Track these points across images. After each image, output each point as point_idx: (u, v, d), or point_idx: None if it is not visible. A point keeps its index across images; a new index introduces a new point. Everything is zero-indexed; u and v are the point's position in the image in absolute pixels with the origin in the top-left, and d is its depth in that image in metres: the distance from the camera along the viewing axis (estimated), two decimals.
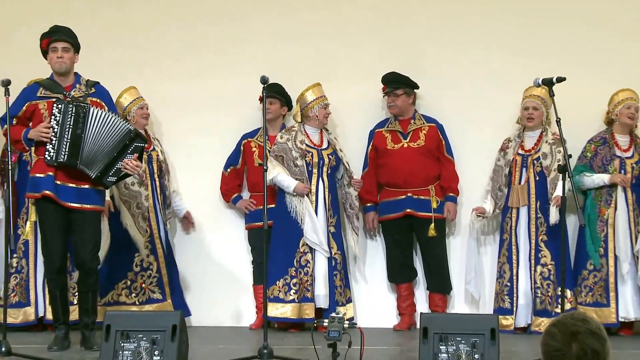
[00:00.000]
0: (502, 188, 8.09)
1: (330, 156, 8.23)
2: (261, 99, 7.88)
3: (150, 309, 8.12)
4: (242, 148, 8.50)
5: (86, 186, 6.87)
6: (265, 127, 6.87)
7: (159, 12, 8.95)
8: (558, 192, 6.47)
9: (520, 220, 8.02)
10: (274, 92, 8.24)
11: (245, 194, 8.59)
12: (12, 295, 8.10)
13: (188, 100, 8.77)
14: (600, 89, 8.17)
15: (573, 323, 2.82)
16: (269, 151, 8.11)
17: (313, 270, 8.10)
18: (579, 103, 7.92)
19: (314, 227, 8.04)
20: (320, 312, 8.07)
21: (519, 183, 8.04)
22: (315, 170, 8.20)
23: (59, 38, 6.93)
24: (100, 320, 6.47)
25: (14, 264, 8.10)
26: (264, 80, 6.47)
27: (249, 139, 8.50)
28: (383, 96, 8.37)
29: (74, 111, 6.72)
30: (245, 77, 8.30)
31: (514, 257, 8.01)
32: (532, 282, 7.94)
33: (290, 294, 8.07)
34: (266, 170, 6.59)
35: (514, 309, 7.97)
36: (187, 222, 8.60)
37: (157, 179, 8.35)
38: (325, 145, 8.29)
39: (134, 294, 8.23)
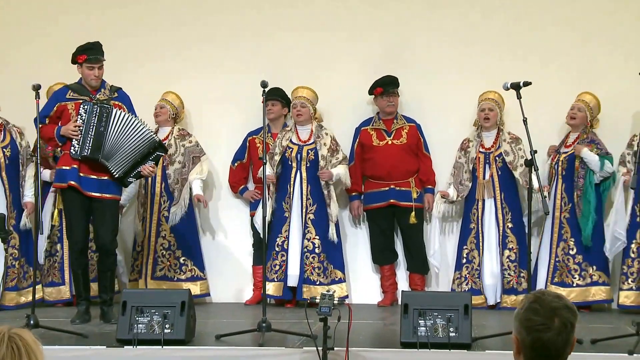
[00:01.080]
0: (463, 182, 8.20)
1: (310, 151, 8.28)
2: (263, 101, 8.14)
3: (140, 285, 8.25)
4: (247, 144, 8.59)
5: (106, 178, 7.04)
6: (265, 126, 6.92)
7: (169, 11, 8.92)
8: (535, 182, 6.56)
9: (485, 211, 8.16)
10: (275, 95, 8.33)
11: (251, 185, 8.66)
12: (47, 275, 8.22)
13: (199, 98, 8.77)
14: (560, 90, 8.28)
15: (551, 300, 2.88)
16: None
17: (287, 253, 8.24)
18: (539, 103, 7.93)
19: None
20: (293, 291, 8.18)
21: (484, 178, 8.15)
22: (294, 164, 8.29)
23: (95, 57, 7.04)
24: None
25: (49, 248, 8.22)
26: (264, 84, 6.59)
27: (253, 136, 8.58)
28: (381, 96, 8.34)
29: (98, 111, 6.90)
30: (251, 79, 8.33)
31: (481, 243, 8.14)
32: (500, 264, 8.08)
33: (271, 274, 8.19)
34: (265, 164, 6.74)
35: (483, 289, 8.10)
36: (202, 203, 8.51)
37: (160, 170, 8.31)
38: (311, 140, 8.34)
39: (134, 271, 8.40)
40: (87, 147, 6.90)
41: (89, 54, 7.06)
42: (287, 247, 8.23)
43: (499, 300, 8.11)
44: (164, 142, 8.24)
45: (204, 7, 8.86)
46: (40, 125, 6.94)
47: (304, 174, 8.29)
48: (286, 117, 8.64)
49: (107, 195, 7.08)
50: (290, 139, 8.34)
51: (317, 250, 8.19)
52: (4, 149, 8.10)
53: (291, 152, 8.29)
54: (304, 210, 8.25)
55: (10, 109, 8.17)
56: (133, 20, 8.88)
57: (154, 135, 7.16)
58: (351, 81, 8.64)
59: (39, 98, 6.73)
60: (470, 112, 8.42)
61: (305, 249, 8.19)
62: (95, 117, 6.90)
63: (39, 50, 8.72)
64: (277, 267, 8.23)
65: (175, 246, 8.43)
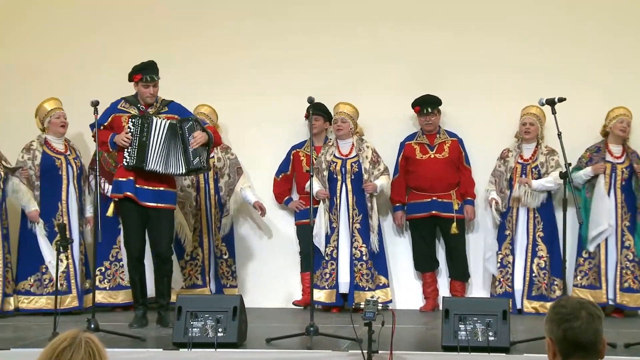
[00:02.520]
0: (503, 190, 8.21)
1: (353, 164, 8.34)
2: (307, 116, 8.20)
3: (192, 294, 8.22)
4: (291, 157, 8.66)
5: (161, 188, 7.11)
6: (311, 139, 7.02)
7: (219, 39, 9.02)
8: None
9: (519, 219, 8.17)
10: (318, 110, 8.36)
11: (295, 196, 8.72)
12: (112, 279, 8.32)
13: (245, 115, 8.86)
14: (592, 106, 8.26)
15: (576, 298, 2.97)
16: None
17: (337, 261, 8.29)
18: (573, 118, 7.85)
19: (319, 227, 8.20)
20: (344, 297, 8.23)
21: (519, 187, 8.13)
22: (339, 177, 8.35)
23: (150, 76, 7.12)
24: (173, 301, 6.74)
25: (114, 254, 8.34)
26: (310, 100, 6.68)
27: (297, 150, 8.66)
28: (419, 115, 8.41)
29: (139, 122, 6.96)
30: (294, 98, 8.43)
31: (515, 250, 8.15)
32: (529, 271, 8.08)
33: (322, 282, 8.26)
34: (312, 176, 6.82)
35: (514, 294, 8.09)
36: (259, 210, 8.57)
37: (211, 183, 8.49)
38: (353, 154, 8.40)
39: (183, 279, 8.43)
40: (133, 158, 6.96)
41: (144, 73, 7.14)
42: (337, 256, 8.29)
43: (520, 308, 8.09)
44: (211, 155, 8.37)
45: (250, 36, 8.95)
46: (94, 131, 7.00)
47: (349, 186, 8.34)
48: (327, 131, 8.70)
49: (162, 205, 7.14)
50: (334, 154, 8.40)
51: (364, 258, 8.23)
52: (75, 160, 8.29)
53: (335, 165, 8.35)
54: (351, 221, 8.29)
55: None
56: (186, 47, 8.98)
57: (168, 121, 7.04)
58: (393, 99, 8.68)
59: (97, 113, 6.84)
60: (507, 127, 8.45)
61: (354, 257, 8.24)
62: (138, 128, 6.96)
63: (100, 71, 8.84)
64: (328, 275, 8.28)
65: (227, 255, 8.54)
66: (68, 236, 7.64)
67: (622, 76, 8.48)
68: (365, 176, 8.27)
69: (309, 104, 6.77)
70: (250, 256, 8.87)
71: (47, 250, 8.08)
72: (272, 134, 8.85)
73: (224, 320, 6.02)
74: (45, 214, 8.16)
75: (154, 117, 7.01)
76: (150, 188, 7.10)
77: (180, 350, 5.94)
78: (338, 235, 8.31)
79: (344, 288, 8.22)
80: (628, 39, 8.59)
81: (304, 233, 8.41)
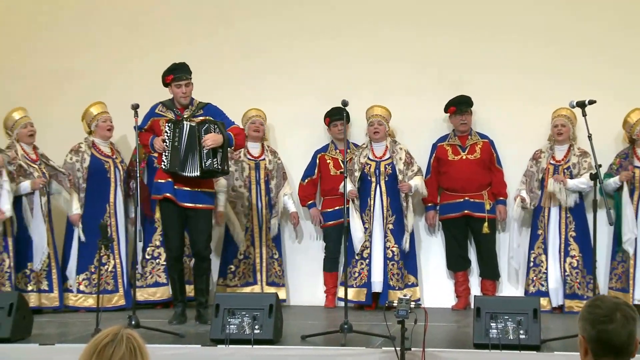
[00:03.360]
0: (533, 190, 8.17)
1: (387, 166, 8.34)
2: (329, 122, 8.46)
3: (247, 290, 8.30)
4: (317, 161, 8.64)
5: (199, 189, 7.12)
6: (346, 141, 7.00)
7: (246, 43, 9.01)
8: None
9: (551, 218, 8.11)
10: (340, 114, 8.44)
11: (318, 200, 8.71)
12: (149, 277, 8.34)
13: (270, 120, 8.85)
14: (622, 110, 8.16)
15: (611, 299, 2.89)
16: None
17: (370, 261, 8.27)
18: (603, 121, 7.81)
19: (355, 228, 8.21)
20: (376, 296, 8.22)
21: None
22: (373, 179, 8.33)
23: (182, 77, 7.15)
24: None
25: (151, 252, 8.36)
26: (344, 103, 6.68)
27: (322, 153, 8.65)
28: (455, 115, 8.39)
29: (172, 128, 6.99)
30: (314, 103, 8.59)
31: (547, 249, 8.09)
32: (562, 270, 8.02)
33: (351, 280, 8.23)
34: (346, 177, 6.82)
35: (549, 292, 8.05)
36: (294, 220, 8.69)
37: (262, 184, 8.51)
38: (387, 156, 8.39)
39: (236, 277, 8.44)
40: (168, 162, 7.00)
41: (175, 73, 7.17)
42: (368, 255, 8.28)
43: (561, 304, 8.04)
44: (262, 158, 8.38)
45: (277, 40, 8.96)
46: (138, 132, 7.03)
47: (383, 188, 8.33)
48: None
49: (200, 206, 7.16)
50: (367, 156, 8.39)
51: (395, 258, 8.22)
52: (121, 164, 8.36)
53: (369, 168, 8.34)
54: (384, 221, 8.29)
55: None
56: (216, 51, 9.00)
57: (190, 124, 7.03)
58: (422, 101, 8.67)
59: (137, 116, 6.87)
60: (536, 130, 8.41)
61: (387, 257, 8.23)
62: (171, 133, 6.99)
63: (137, 77, 8.86)
64: (357, 274, 8.27)
65: (277, 255, 8.57)
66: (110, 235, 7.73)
67: None
68: (400, 177, 8.26)
69: (340, 107, 6.78)
70: (287, 256, 8.86)
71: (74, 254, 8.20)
72: (295, 138, 8.88)
73: (261, 317, 6.03)
74: (93, 215, 8.22)
75: (184, 122, 7.02)
76: (188, 189, 7.12)
77: (218, 346, 5.95)
78: (370, 236, 8.29)
79: (377, 287, 8.21)
80: None
81: (329, 236, 8.52)
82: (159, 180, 7.19)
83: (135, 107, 6.83)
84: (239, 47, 9.00)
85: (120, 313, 7.84)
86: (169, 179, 7.10)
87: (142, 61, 8.87)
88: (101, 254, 7.04)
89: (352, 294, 8.21)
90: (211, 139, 6.93)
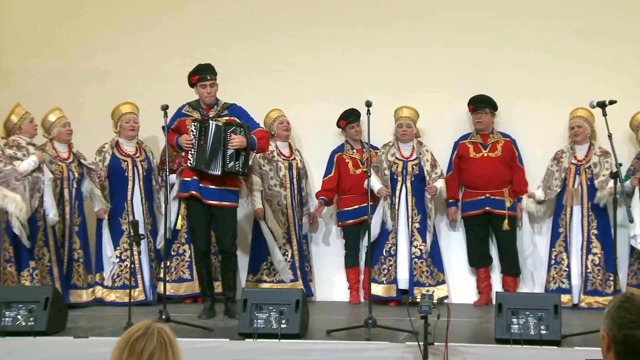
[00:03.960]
0: (551, 187, 8.14)
1: (414, 166, 8.33)
2: (343, 125, 8.48)
3: (285, 287, 8.24)
4: (335, 160, 8.61)
5: (224, 187, 7.14)
6: (369, 142, 7.04)
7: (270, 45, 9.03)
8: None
9: (573, 217, 8.07)
10: (355, 116, 8.46)
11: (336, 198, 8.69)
12: (174, 272, 8.35)
13: (309, 118, 8.86)
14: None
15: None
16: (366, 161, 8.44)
17: (396, 259, 8.28)
18: (621, 121, 7.79)
19: (376, 223, 8.18)
20: (403, 293, 8.21)
21: (573, 186, 8.08)
22: (399, 179, 8.33)
23: (207, 77, 7.17)
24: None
25: (176, 249, 8.40)
26: (368, 103, 6.65)
27: (340, 153, 8.63)
28: (475, 111, 8.39)
29: (198, 127, 7.01)
30: (331, 105, 8.58)
31: (569, 247, 8.05)
32: (584, 267, 7.99)
33: (380, 277, 8.25)
34: (370, 176, 6.83)
35: (571, 289, 8.01)
36: (312, 219, 8.70)
37: (295, 183, 8.53)
38: (414, 157, 8.39)
39: (272, 274, 8.44)
40: (194, 160, 7.03)
41: (200, 74, 7.19)
42: (395, 253, 8.27)
43: (581, 300, 8.00)
44: (292, 157, 8.40)
45: (299, 41, 8.97)
46: (167, 133, 7.10)
47: (409, 187, 8.32)
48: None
49: (226, 203, 7.18)
50: (395, 155, 8.39)
51: (424, 256, 8.22)
52: (142, 163, 8.39)
53: (396, 167, 8.34)
54: (410, 220, 8.28)
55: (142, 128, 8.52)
56: (240, 53, 9.01)
57: (216, 123, 7.05)
58: (447, 102, 8.66)
59: (166, 117, 6.92)
60: (559, 129, 8.37)
61: (414, 255, 8.22)
62: (197, 132, 7.01)
63: (166, 77, 8.88)
64: (386, 271, 8.27)
65: (306, 252, 8.61)
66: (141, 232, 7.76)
67: None
68: (428, 178, 8.28)
69: (348, 111, 6.80)
70: (316, 253, 8.88)
71: (109, 247, 8.22)
72: (318, 138, 8.86)
73: (287, 312, 6.04)
74: (113, 212, 8.33)
75: (210, 121, 7.05)
76: (214, 187, 7.14)
77: (246, 340, 5.98)
78: (397, 234, 8.29)
79: (403, 284, 8.22)
80: None
81: (347, 234, 8.54)
82: (186, 179, 7.23)
83: (165, 108, 6.87)
84: (262, 50, 9.02)
85: (141, 308, 7.87)
86: (195, 177, 7.13)
87: (171, 62, 8.89)
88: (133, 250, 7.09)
89: (381, 290, 8.23)
90: (237, 141, 6.96)
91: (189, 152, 7.06)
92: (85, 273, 8.20)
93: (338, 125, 8.64)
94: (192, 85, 7.29)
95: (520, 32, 8.68)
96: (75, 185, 8.16)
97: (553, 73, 8.52)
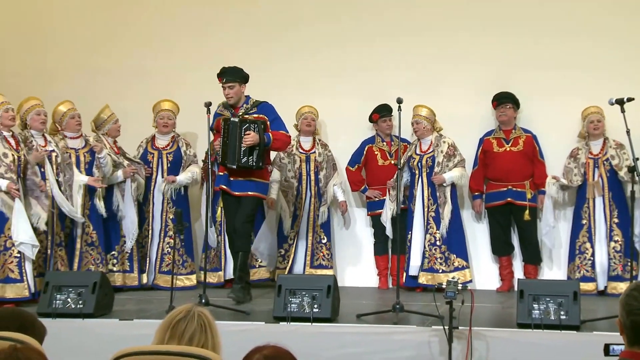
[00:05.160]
0: (572, 182, 8.09)
1: (428, 159, 8.31)
2: (376, 118, 8.51)
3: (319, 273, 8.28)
4: (365, 151, 8.65)
5: (249, 179, 7.19)
6: (400, 137, 7.06)
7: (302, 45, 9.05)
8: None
9: (596, 208, 8.02)
10: (387, 111, 8.49)
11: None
12: (211, 262, 8.42)
13: (323, 114, 8.90)
14: None
15: None
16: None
17: (410, 247, 8.27)
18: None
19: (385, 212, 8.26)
20: (415, 280, 8.21)
21: (593, 179, 8.03)
22: (417, 172, 8.33)
23: (225, 79, 7.18)
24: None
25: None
26: (399, 100, 6.64)
27: (370, 145, 8.66)
28: (496, 108, 8.39)
29: (223, 125, 7.06)
30: (362, 101, 8.59)
31: (593, 237, 8.01)
32: (607, 255, 7.94)
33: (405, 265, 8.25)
34: (400, 169, 6.83)
35: (596, 277, 7.97)
36: (342, 208, 8.72)
37: (312, 175, 8.55)
38: (430, 150, 8.36)
39: (285, 260, 8.48)
40: (220, 156, 7.10)
41: (220, 76, 7.21)
42: (410, 241, 8.29)
43: (605, 286, 7.96)
44: (312, 151, 8.43)
45: (331, 41, 8.98)
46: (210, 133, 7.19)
47: (424, 179, 8.32)
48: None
49: (250, 193, 7.21)
50: (415, 150, 8.40)
51: (438, 243, 8.20)
52: (168, 155, 8.43)
53: (414, 161, 8.36)
54: (426, 210, 8.27)
55: (185, 123, 8.56)
56: (279, 50, 9.04)
57: (236, 120, 7.07)
58: (471, 98, 8.63)
59: (209, 113, 6.95)
60: (578, 124, 8.31)
61: (428, 242, 8.21)
62: (222, 130, 7.07)
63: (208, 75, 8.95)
64: (405, 259, 8.27)
65: (325, 239, 8.60)
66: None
67: None
68: (437, 169, 8.25)
69: (380, 105, 6.82)
70: (342, 241, 8.90)
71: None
72: (359, 132, 8.84)
73: (319, 297, 6.06)
74: (141, 204, 8.40)
75: (231, 119, 7.07)
76: (241, 179, 7.19)
77: (280, 323, 6.00)
78: (412, 224, 8.30)
79: (414, 271, 8.22)
80: None
81: (379, 222, 8.53)
82: (219, 173, 7.35)
83: (208, 105, 6.91)
84: (298, 50, 9.03)
85: (190, 291, 7.96)
86: (226, 172, 7.22)
87: (212, 61, 8.87)
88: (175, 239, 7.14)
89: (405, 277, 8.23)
90: (250, 138, 7.00)
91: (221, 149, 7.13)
92: (135, 259, 8.27)
93: (370, 119, 8.64)
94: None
95: (542, 32, 8.61)
96: (163, 174, 8.34)
97: (573, 71, 8.44)
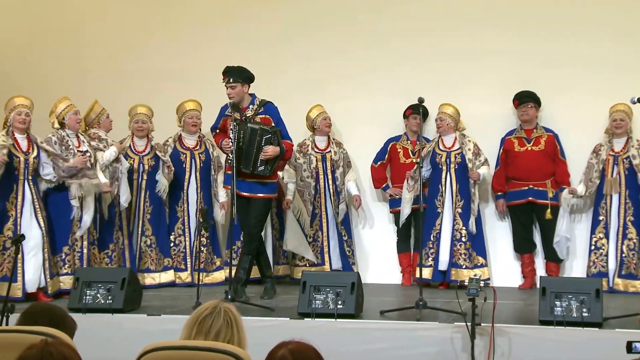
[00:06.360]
0: (592, 179, 8.03)
1: (457, 155, 8.29)
2: (409, 114, 8.48)
3: (314, 270, 8.23)
4: (388, 149, 8.65)
5: (257, 180, 7.11)
6: (421, 135, 7.03)
7: (329, 44, 8.98)
8: None
9: (613, 204, 7.96)
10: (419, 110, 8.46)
11: (391, 184, 8.68)
12: (235, 258, 8.46)
13: (349, 112, 8.86)
14: None
15: None
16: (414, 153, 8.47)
17: (439, 242, 8.23)
18: None
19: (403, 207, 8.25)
20: (443, 275, 8.17)
21: (612, 176, 7.97)
22: (444, 168, 8.29)
23: (228, 79, 7.11)
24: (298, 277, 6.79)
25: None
26: (420, 100, 6.65)
27: (394, 142, 8.66)
28: (518, 107, 8.33)
29: (237, 129, 6.95)
30: (390, 98, 8.57)
31: (609, 233, 7.95)
32: (620, 252, 7.86)
33: (428, 261, 8.22)
34: (421, 167, 6.82)
35: (608, 273, 7.90)
36: (356, 203, 8.69)
37: (329, 173, 8.53)
38: (456, 147, 8.35)
39: (304, 258, 8.44)
40: (232, 160, 6.91)
41: (225, 76, 7.13)
42: (439, 236, 8.24)
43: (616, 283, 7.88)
44: (328, 150, 8.41)
45: (356, 41, 8.94)
46: (214, 134, 7.24)
47: (453, 175, 8.28)
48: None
49: (258, 195, 7.13)
50: (438, 146, 8.36)
51: (463, 239, 8.18)
52: (200, 155, 8.45)
53: (440, 157, 8.32)
54: (453, 206, 8.25)
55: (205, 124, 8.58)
56: (300, 51, 9.02)
57: (256, 127, 7.04)
58: (494, 97, 8.58)
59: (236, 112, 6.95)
60: (599, 123, 8.23)
61: (455, 238, 8.19)
62: (236, 133, 6.93)
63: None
64: (433, 255, 8.24)
65: (346, 236, 8.60)
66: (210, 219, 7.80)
67: None
68: (470, 165, 8.23)
69: (418, 103, 6.79)
70: (364, 238, 8.89)
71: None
72: (380, 129, 8.80)
73: (343, 294, 6.06)
74: (173, 202, 8.42)
75: (248, 125, 7.01)
76: (248, 180, 7.09)
77: (305, 319, 6.01)
78: (441, 219, 8.26)
79: (443, 266, 8.18)
80: None
81: (399, 219, 8.50)
82: (227, 172, 7.27)
83: (234, 105, 6.91)
84: (320, 49, 9.01)
85: (216, 287, 7.97)
86: (232, 172, 7.06)
87: (234, 62, 8.97)
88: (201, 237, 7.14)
89: (428, 273, 8.18)
90: (271, 151, 7.01)
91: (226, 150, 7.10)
92: (158, 257, 8.28)
93: (404, 114, 8.62)
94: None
95: (564, 31, 8.53)
96: (145, 177, 8.25)
97: (594, 70, 8.36)
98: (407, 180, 8.27)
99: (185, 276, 8.32)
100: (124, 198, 7.92)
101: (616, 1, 8.54)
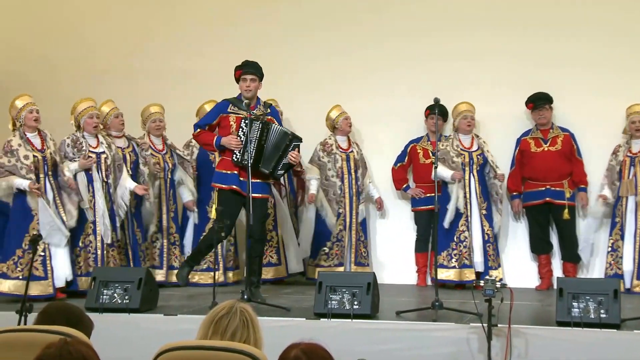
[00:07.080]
0: (615, 182, 7.98)
1: (478, 156, 8.26)
2: (427, 114, 8.44)
3: (341, 270, 8.27)
4: (408, 150, 8.63)
5: (258, 180, 6.97)
6: (438, 135, 7.01)
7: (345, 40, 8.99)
8: None
9: (629, 206, 7.88)
10: (441, 110, 8.37)
11: (412, 184, 8.70)
12: (228, 260, 8.44)
13: (369, 113, 8.85)
14: None
15: None
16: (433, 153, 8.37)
17: (470, 243, 8.17)
18: None
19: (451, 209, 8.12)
20: (478, 275, 8.11)
21: (628, 178, 7.91)
22: (467, 169, 8.25)
23: (248, 71, 7.01)
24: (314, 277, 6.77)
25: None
26: (436, 100, 6.64)
27: (414, 144, 8.63)
28: (533, 110, 8.27)
29: (259, 127, 6.84)
30: (410, 98, 8.56)
31: (625, 235, 7.88)
32: (637, 253, 7.79)
33: (452, 262, 8.17)
34: (436, 167, 6.78)
35: (624, 275, 7.84)
36: (378, 205, 8.74)
37: (353, 173, 8.52)
38: (475, 147, 8.31)
39: (330, 258, 8.43)
40: (249, 158, 6.74)
41: (244, 69, 7.03)
42: (465, 238, 8.16)
43: (631, 285, 7.82)
44: (350, 150, 8.42)
45: (370, 39, 8.93)
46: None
47: (476, 176, 8.26)
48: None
49: (259, 195, 6.98)
50: (459, 146, 8.32)
51: (491, 240, 8.18)
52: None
53: (463, 158, 8.27)
54: (478, 207, 8.22)
55: None
56: (316, 48, 9.00)
57: (286, 130, 7.01)
58: (507, 97, 8.53)
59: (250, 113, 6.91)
60: (615, 122, 8.16)
61: (483, 239, 8.17)
62: (257, 132, 6.82)
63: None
64: (457, 257, 8.16)
65: (363, 237, 8.57)
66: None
67: None
68: (494, 165, 8.25)
69: (433, 104, 6.75)
70: (380, 238, 8.86)
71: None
72: (394, 129, 8.80)
73: (359, 294, 6.03)
74: (202, 202, 8.42)
75: (273, 125, 6.94)
76: (253, 180, 6.86)
77: (321, 320, 5.99)
78: (467, 220, 8.19)
79: (479, 267, 8.15)
80: None
81: (420, 219, 8.52)
82: (223, 171, 7.05)
83: (248, 105, 6.85)
84: (320, 49, 9.00)
85: (231, 287, 8.00)
86: (235, 171, 6.97)
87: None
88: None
89: (453, 274, 8.14)
90: (295, 158, 7.02)
91: (237, 149, 6.89)
92: (182, 255, 8.29)
93: (425, 115, 8.60)
94: (237, 80, 7.13)
95: (576, 30, 8.49)
96: (170, 175, 8.27)
97: (594, 70, 8.32)
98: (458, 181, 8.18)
99: (197, 278, 8.26)
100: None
101: (616, 1, 8.49)
